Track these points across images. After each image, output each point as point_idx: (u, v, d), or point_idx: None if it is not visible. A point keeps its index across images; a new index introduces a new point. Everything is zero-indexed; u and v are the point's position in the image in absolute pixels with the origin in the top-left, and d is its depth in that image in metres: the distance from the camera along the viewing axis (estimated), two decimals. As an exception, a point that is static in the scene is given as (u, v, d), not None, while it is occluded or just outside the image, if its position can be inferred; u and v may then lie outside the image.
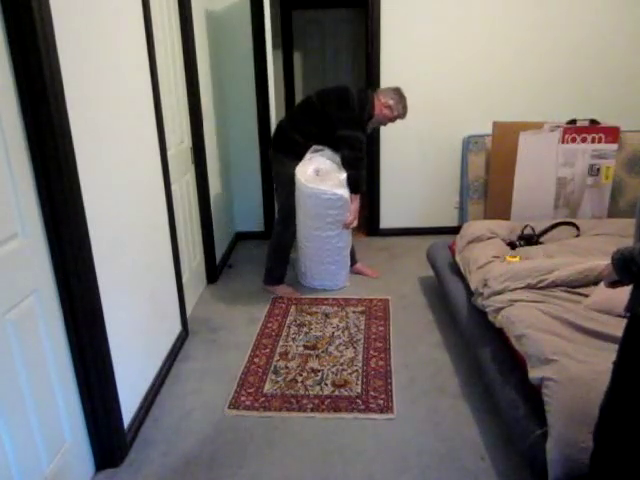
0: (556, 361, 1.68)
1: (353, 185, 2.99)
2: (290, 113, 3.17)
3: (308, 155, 3.03)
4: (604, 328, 1.84)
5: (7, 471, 1.41)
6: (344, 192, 2.96)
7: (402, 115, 3.09)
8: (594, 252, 2.52)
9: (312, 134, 3.02)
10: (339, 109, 2.93)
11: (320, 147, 3.05)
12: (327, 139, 3.03)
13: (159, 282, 2.44)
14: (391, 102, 3.03)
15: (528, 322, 1.94)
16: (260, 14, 3.57)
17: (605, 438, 1.29)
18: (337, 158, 3.05)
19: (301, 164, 3.00)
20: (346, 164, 2.99)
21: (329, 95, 3.00)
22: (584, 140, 3.48)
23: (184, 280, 2.85)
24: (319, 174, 2.99)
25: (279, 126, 3.14)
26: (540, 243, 2.84)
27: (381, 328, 2.85)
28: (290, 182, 3.03)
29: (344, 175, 2.99)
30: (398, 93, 3.06)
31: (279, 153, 3.10)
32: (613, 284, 1.26)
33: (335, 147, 3.04)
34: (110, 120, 1.93)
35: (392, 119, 3.11)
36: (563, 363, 1.66)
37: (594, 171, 3.53)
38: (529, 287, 2.21)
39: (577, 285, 2.20)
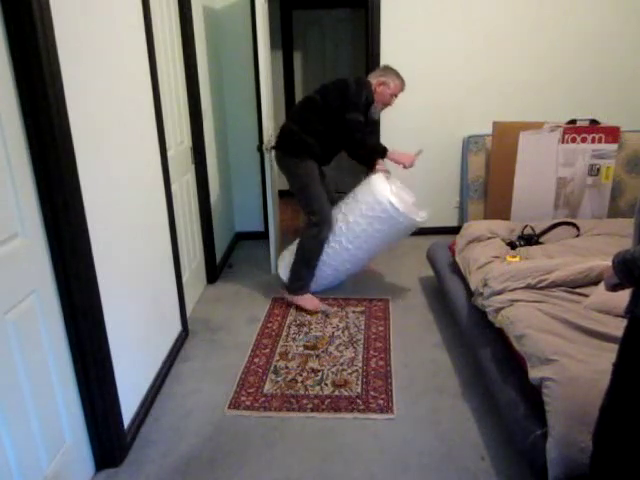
0: (556, 361, 1.68)
1: (377, 154, 3.07)
2: (295, 115, 3.05)
3: (384, 179, 2.98)
4: (604, 328, 1.84)
5: (7, 471, 1.41)
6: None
7: (400, 86, 3.04)
8: (594, 252, 2.52)
9: (320, 132, 2.95)
10: (340, 95, 2.91)
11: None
12: (334, 136, 2.97)
13: (159, 282, 2.44)
14: (382, 78, 3.00)
15: (528, 322, 1.94)
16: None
17: (605, 440, 1.29)
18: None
19: (383, 188, 2.90)
20: (357, 145, 3.00)
21: (328, 87, 2.98)
22: (584, 140, 3.48)
23: (184, 280, 2.85)
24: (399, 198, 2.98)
25: (289, 130, 3.00)
26: (540, 243, 2.84)
27: (381, 328, 2.85)
28: (317, 184, 2.97)
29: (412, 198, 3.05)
30: (386, 68, 3.07)
31: (294, 158, 2.97)
32: (614, 287, 1.25)
33: (342, 142, 3.02)
34: (110, 120, 1.93)
35: (393, 94, 3.04)
36: (563, 363, 1.66)
37: (594, 171, 3.53)
38: (529, 287, 2.21)
39: (577, 285, 2.20)
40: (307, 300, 3.08)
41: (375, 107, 3.04)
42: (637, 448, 1.23)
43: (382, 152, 3.05)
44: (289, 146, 3.00)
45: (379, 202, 2.86)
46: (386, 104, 3.08)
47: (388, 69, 3.05)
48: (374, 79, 3.02)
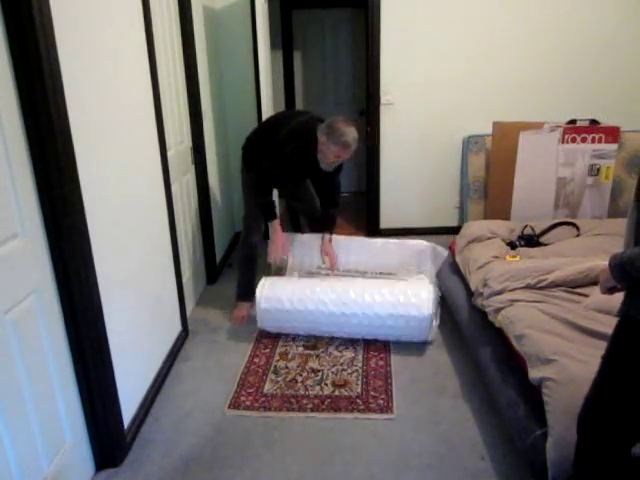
0: (556, 361, 1.68)
1: (265, 213, 2.85)
2: (255, 137, 2.91)
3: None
4: (604, 328, 1.84)
5: (7, 471, 1.41)
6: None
7: (338, 152, 2.52)
8: (594, 252, 2.52)
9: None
10: (277, 131, 2.69)
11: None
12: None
13: (159, 282, 2.44)
14: (323, 138, 2.53)
15: (528, 322, 1.94)
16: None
17: (589, 430, 1.31)
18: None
19: (429, 307, 2.53)
20: (255, 191, 2.81)
21: (294, 116, 2.80)
22: (584, 140, 3.48)
23: (184, 280, 2.85)
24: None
25: (251, 148, 2.89)
26: (540, 243, 2.84)
27: (381, 328, 2.84)
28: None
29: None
30: (332, 127, 2.51)
31: (250, 172, 2.86)
32: (610, 290, 1.25)
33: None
34: (110, 120, 1.92)
35: (335, 156, 2.55)
36: (563, 363, 1.66)
37: (594, 171, 3.53)
38: (529, 287, 2.21)
39: (577, 285, 2.20)
40: (237, 309, 2.97)
41: (320, 160, 2.64)
42: (619, 438, 1.26)
43: (267, 217, 2.85)
44: (250, 164, 2.88)
45: (422, 318, 2.52)
46: (328, 162, 2.62)
47: (334, 130, 2.50)
48: (318, 133, 2.56)
